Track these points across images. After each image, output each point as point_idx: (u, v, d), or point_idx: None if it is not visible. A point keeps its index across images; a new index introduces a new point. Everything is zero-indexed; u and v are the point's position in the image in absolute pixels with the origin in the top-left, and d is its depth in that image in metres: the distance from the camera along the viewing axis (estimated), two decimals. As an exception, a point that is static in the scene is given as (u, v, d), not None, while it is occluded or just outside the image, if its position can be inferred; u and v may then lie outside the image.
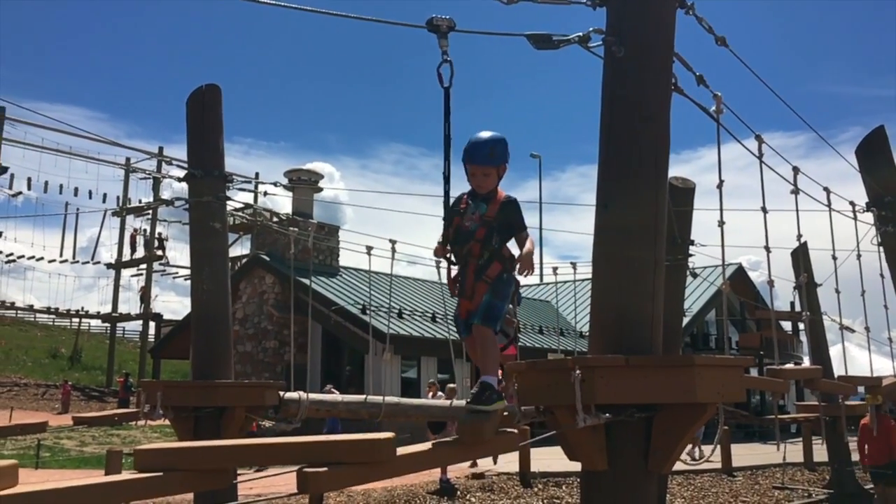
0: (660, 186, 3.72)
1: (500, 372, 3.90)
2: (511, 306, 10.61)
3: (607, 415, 3.29)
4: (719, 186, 4.18)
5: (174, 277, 37.66)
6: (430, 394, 15.16)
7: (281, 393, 6.42)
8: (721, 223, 4.17)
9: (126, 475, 2.64)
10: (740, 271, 29.56)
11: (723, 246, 4.13)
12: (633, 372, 3.27)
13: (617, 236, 3.65)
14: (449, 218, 3.81)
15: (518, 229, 3.78)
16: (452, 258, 3.81)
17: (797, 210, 5.68)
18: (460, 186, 3.91)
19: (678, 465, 3.80)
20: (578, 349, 13.59)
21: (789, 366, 15.12)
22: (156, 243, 35.07)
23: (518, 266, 3.68)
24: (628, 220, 3.62)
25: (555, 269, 9.27)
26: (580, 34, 3.69)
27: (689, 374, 3.23)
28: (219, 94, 6.98)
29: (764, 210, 4.82)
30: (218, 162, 6.87)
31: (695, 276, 9.90)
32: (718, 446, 9.17)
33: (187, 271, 35.70)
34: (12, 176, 31.97)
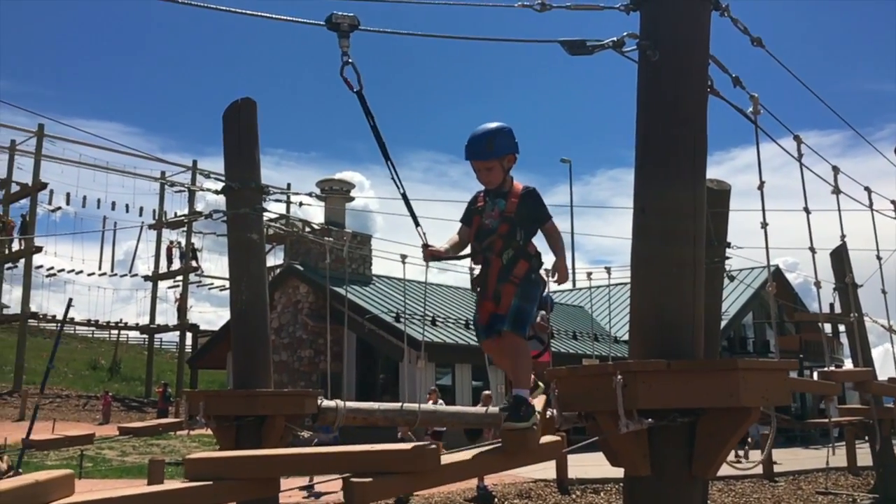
0: (698, 189, 3.70)
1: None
2: (544, 312, 10.53)
3: (650, 420, 3.27)
4: (760, 188, 4.14)
5: (209, 288, 38.25)
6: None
7: (319, 401, 6.50)
8: (764, 224, 4.13)
9: (177, 484, 2.69)
10: (777, 273, 29.16)
11: (767, 248, 4.10)
12: (676, 376, 3.25)
13: (655, 240, 3.63)
14: (468, 218, 3.66)
15: (542, 220, 3.60)
16: (442, 256, 3.63)
17: (839, 210, 5.60)
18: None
19: (721, 470, 3.76)
20: (613, 354, 13.50)
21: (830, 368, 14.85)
22: (177, 253, 35.65)
23: (555, 276, 3.54)
24: (667, 223, 3.60)
25: (589, 274, 9.27)
26: (614, 39, 3.69)
27: (732, 377, 3.21)
28: (254, 108, 7.08)
29: (807, 211, 4.77)
30: (254, 174, 6.97)
31: (731, 278, 9.80)
32: (759, 451, 9.08)
33: (221, 282, 36.23)
34: (52, 192, 32.73)
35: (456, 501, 12.08)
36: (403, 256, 8.09)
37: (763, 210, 4.10)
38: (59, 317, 35.50)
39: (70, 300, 5.68)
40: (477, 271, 3.66)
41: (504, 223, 3.52)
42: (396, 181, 3.49)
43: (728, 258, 8.66)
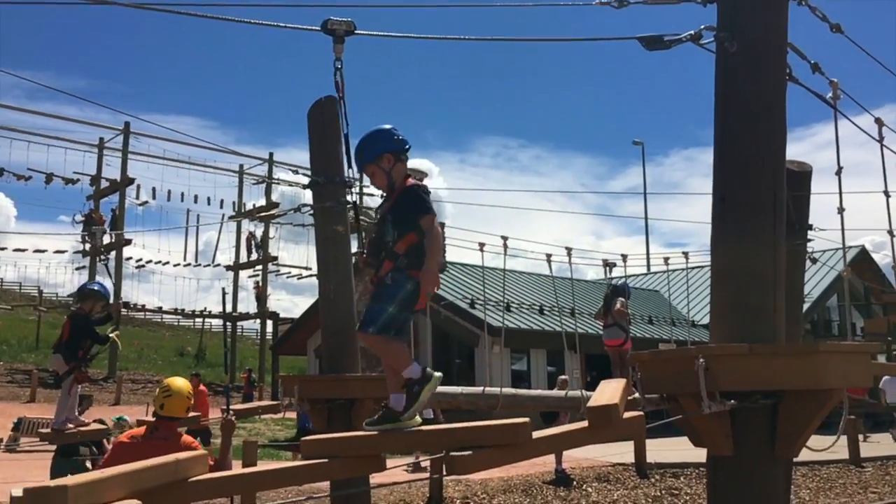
0: (778, 177, 3.78)
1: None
2: (623, 299, 10.41)
3: (732, 401, 3.40)
4: (838, 174, 4.17)
5: (287, 277, 39.40)
6: None
7: (405, 385, 6.79)
8: (840, 210, 4.17)
9: (297, 462, 2.99)
10: (863, 254, 28.19)
11: (843, 231, 4.14)
12: (758, 359, 3.37)
13: (735, 228, 3.73)
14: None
15: (418, 213, 3.32)
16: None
17: (923, 191, 5.52)
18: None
19: (803, 455, 3.85)
20: (692, 339, 13.40)
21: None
22: (253, 244, 36.81)
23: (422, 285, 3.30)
24: (746, 211, 3.69)
25: (666, 259, 9.27)
26: (691, 32, 3.79)
27: (813, 360, 3.30)
28: (335, 106, 7.38)
29: (886, 194, 4.75)
30: (338, 169, 7.26)
31: (814, 261, 9.63)
32: (844, 436, 8.93)
33: (298, 270, 37.28)
34: (138, 186, 34.23)
35: (535, 484, 12.27)
36: (481, 245, 8.29)
37: (840, 194, 4.14)
38: (150, 306, 37.21)
39: (223, 289, 6.09)
40: None
41: (377, 225, 3.46)
42: (360, 187, 3.55)
43: (810, 240, 8.54)
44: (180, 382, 4.18)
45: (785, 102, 3.81)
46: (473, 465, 2.71)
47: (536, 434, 2.90)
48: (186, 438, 3.99)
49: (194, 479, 2.68)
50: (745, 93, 3.75)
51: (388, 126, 3.56)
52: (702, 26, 3.80)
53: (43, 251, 34.81)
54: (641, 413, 3.24)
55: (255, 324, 39.64)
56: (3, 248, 34.05)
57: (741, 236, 3.71)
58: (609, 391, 3.19)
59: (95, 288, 7.15)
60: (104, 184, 33.60)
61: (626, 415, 3.06)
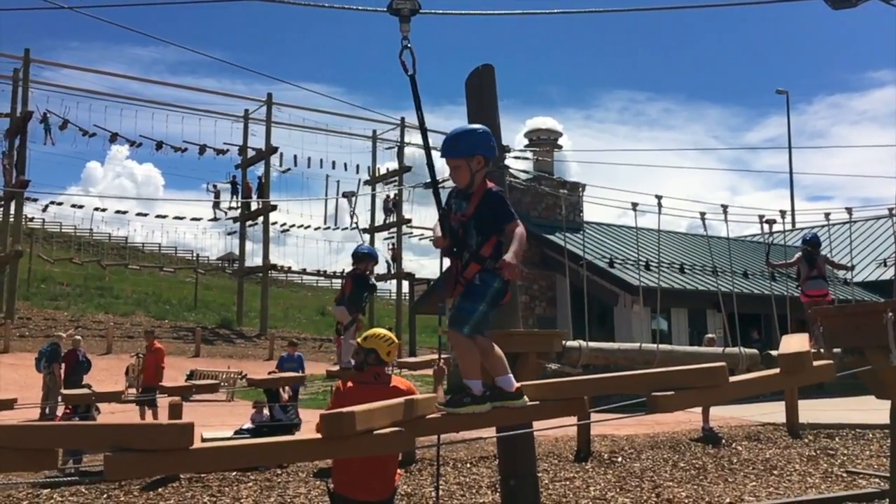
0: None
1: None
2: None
3: (922, 354, 3.48)
4: None
5: (420, 239, 40.58)
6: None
7: (564, 341, 7.11)
8: None
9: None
10: None
11: None
12: (950, 314, 3.43)
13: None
14: (445, 215, 3.64)
15: (503, 221, 3.46)
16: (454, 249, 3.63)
17: None
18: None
19: None
20: (856, 297, 12.88)
21: None
22: (391, 206, 38.04)
23: (503, 272, 3.40)
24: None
25: (827, 214, 9.07)
26: (878, -10, 3.80)
27: None
28: (493, 74, 7.68)
29: None
30: (496, 135, 7.59)
31: None
32: None
33: (427, 232, 38.34)
34: (281, 155, 36.08)
35: (682, 441, 12.34)
36: (634, 205, 8.44)
37: None
38: (295, 268, 39.40)
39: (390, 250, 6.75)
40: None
41: (461, 227, 3.51)
42: (433, 178, 3.74)
43: None
44: (390, 332, 4.63)
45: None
46: (676, 403, 2.99)
47: (733, 378, 3.13)
48: (404, 381, 4.44)
49: (429, 416, 3.14)
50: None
51: (485, 128, 3.66)
52: (889, -17, 3.79)
53: (199, 219, 37.50)
54: (832, 361, 3.39)
55: (389, 284, 41.18)
56: (164, 216, 36.91)
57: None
58: (796, 342, 3.37)
59: (366, 251, 8.30)
60: (250, 153, 35.65)
61: (818, 362, 3.23)
